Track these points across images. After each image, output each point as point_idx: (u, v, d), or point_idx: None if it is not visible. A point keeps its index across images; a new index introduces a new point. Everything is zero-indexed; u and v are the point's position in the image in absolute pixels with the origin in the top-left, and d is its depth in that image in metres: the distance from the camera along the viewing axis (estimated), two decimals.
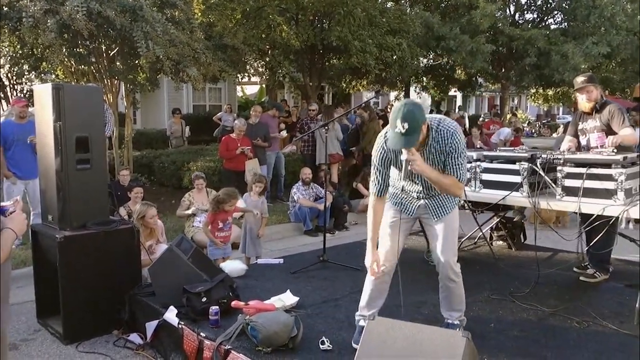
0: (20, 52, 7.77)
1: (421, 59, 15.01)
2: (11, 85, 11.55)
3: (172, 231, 6.80)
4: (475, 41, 12.99)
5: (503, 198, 4.05)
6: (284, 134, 8.82)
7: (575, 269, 4.59)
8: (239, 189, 5.95)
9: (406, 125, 2.58)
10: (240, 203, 5.34)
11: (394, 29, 11.04)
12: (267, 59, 11.57)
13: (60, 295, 3.90)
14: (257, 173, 6.49)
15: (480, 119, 16.77)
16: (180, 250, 3.88)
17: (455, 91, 22.90)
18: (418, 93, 20.81)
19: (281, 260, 5.07)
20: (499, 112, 17.08)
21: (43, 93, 4.05)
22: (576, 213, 3.77)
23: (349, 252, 5.47)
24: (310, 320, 3.53)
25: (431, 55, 16.57)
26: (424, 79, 18.30)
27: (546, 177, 3.87)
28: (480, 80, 19.32)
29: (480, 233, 5.41)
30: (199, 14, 9.26)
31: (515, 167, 4.04)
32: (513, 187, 4.03)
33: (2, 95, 11.69)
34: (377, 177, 3.01)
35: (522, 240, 5.57)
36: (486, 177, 4.25)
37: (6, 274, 2.05)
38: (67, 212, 4.00)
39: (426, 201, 3.06)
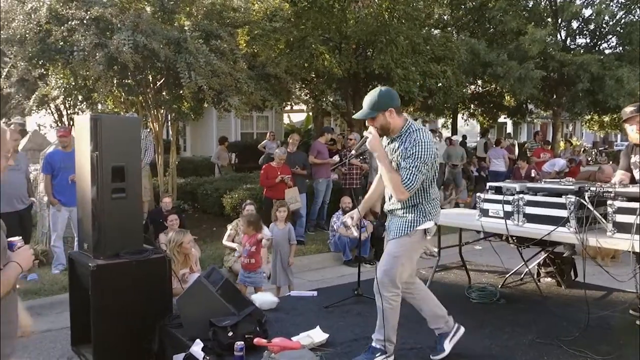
0: (74, 83, 8.11)
1: (468, 85, 14.76)
2: (67, 115, 12.13)
3: (210, 259, 6.81)
4: (524, 67, 12.64)
5: (548, 234, 3.79)
6: (336, 158, 8.76)
7: (631, 312, 4.22)
8: None
9: (367, 101, 3.07)
10: (267, 232, 5.30)
11: (438, 56, 10.90)
12: (311, 88, 11.64)
13: (91, 324, 3.91)
14: (280, 200, 6.41)
15: (526, 145, 16.22)
16: (209, 282, 3.82)
17: (505, 118, 22.37)
18: (465, 120, 20.45)
19: (315, 293, 4.93)
20: (547, 139, 16.50)
21: (82, 124, 4.15)
22: (630, 251, 3.47)
23: None
24: (338, 359, 3.37)
25: (478, 82, 16.28)
26: (472, 105, 17.96)
27: (595, 212, 3.60)
28: (530, 106, 18.77)
29: (527, 269, 5.10)
30: (244, 44, 9.43)
31: (562, 200, 3.78)
32: (559, 221, 3.76)
33: (59, 125, 12.29)
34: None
35: (573, 278, 5.21)
36: (530, 210, 4.01)
37: (11, 307, 2.02)
38: (102, 240, 4.04)
39: (389, 219, 3.31)
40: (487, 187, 4.38)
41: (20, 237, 2.27)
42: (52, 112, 12.87)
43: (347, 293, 4.81)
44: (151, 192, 8.69)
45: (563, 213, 3.76)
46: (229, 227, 6.62)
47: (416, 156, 2.93)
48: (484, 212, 4.33)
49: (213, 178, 11.52)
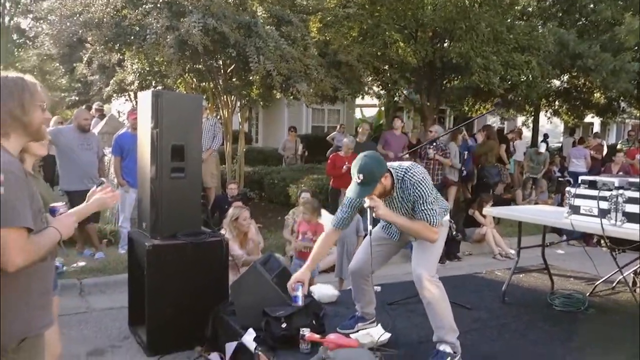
0: (148, 68, 8.22)
1: (553, 80, 13.74)
2: None
3: (274, 247, 6.64)
4: (619, 59, 11.55)
5: None
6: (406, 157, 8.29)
7: None
8: None
9: (362, 177, 2.85)
10: (328, 220, 5.02)
11: (522, 45, 10.12)
12: (383, 79, 11.23)
13: (145, 304, 3.81)
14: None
15: (619, 146, 14.90)
16: (264, 269, 3.59)
17: (592, 117, 20.78)
18: (549, 118, 19.19)
19: (378, 288, 4.57)
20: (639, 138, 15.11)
21: (144, 99, 4.06)
22: None
23: (457, 286, 4.84)
24: None
25: (565, 77, 15.14)
26: (556, 102, 16.77)
27: None
28: (623, 104, 17.27)
29: (621, 277, 4.49)
30: (316, 31, 9.20)
31: None
32: None
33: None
34: (342, 214, 3.21)
35: None
36: (631, 208, 3.46)
37: (47, 277, 1.87)
38: (159, 220, 3.94)
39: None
40: (580, 181, 3.86)
41: (64, 203, 2.13)
42: (130, 99, 13.35)
43: (412, 291, 4.40)
44: (218, 179, 8.68)
45: None
46: (287, 218, 6.40)
47: (422, 196, 2.95)
48: (575, 209, 3.82)
49: (280, 168, 11.43)
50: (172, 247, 3.85)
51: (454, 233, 7.15)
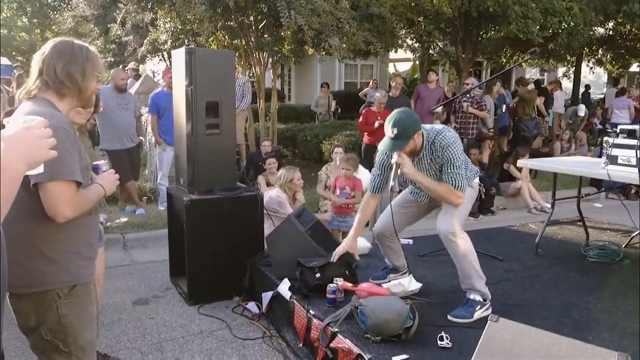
0: (180, 27, 8.26)
1: (597, 27, 13.09)
2: None
3: (308, 203, 6.71)
4: None
5: None
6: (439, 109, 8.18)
7: None
8: None
9: (395, 131, 2.86)
10: (365, 174, 5.07)
11: None
12: (417, 31, 10.94)
13: (185, 257, 3.99)
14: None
15: None
16: (298, 222, 3.69)
17: (638, 66, 19.84)
18: (591, 68, 18.42)
19: (410, 241, 4.67)
20: None
21: (178, 57, 4.11)
22: None
23: (490, 239, 4.88)
24: (432, 310, 3.12)
25: (609, 24, 14.39)
26: (600, 51, 16.03)
27: None
28: None
29: None
30: None
31: None
32: None
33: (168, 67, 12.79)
34: (376, 177, 3.28)
35: None
36: None
37: (92, 229, 1.98)
38: (196, 176, 4.05)
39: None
40: (619, 130, 3.77)
41: (106, 162, 2.24)
42: (164, 59, 13.46)
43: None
44: (247, 136, 8.78)
45: None
46: (320, 174, 6.44)
47: (451, 159, 2.93)
48: (612, 159, 3.74)
49: (313, 125, 11.46)
50: (209, 202, 3.98)
51: (483, 197, 7.11)
